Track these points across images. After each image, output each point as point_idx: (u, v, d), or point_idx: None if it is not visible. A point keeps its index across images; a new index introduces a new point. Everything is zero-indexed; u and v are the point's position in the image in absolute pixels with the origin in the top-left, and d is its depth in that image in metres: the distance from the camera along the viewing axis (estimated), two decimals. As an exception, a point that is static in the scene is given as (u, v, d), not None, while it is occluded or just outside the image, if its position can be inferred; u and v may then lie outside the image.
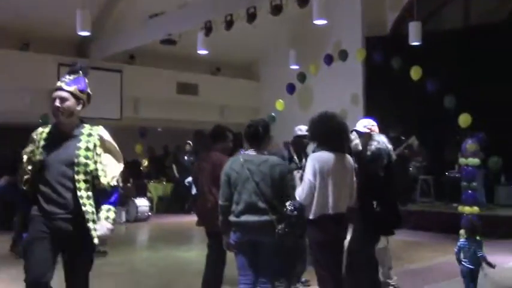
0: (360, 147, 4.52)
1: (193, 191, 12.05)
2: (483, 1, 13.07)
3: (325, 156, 4.03)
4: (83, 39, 13.23)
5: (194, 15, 11.27)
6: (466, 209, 8.96)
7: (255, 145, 4.06)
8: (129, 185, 13.86)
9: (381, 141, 4.53)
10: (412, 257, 7.54)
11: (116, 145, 3.50)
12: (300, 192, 4.02)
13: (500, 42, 11.52)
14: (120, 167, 3.46)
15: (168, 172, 15.70)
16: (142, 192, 13.56)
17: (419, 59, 11.19)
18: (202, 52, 12.14)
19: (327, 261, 4.07)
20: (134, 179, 14.43)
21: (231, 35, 11.39)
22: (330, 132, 4.08)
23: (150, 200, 13.61)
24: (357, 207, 4.33)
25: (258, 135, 4.07)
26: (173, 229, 11.28)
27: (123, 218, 12.20)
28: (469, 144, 9.10)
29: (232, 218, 3.96)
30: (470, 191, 9.05)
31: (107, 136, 3.49)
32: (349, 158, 4.19)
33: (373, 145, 4.47)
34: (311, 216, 4.00)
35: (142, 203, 12.42)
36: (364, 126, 4.68)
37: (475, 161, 9.06)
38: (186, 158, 13.19)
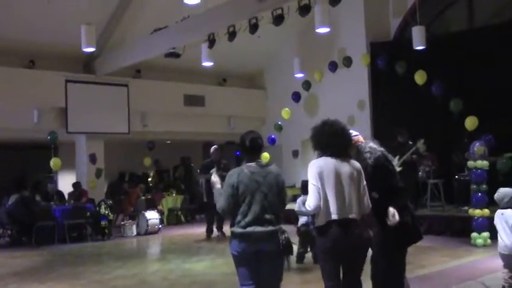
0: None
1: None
2: (487, 2, 13.03)
3: (323, 161, 4.02)
4: (89, 56, 13.32)
5: (197, 28, 11.30)
6: (477, 212, 8.93)
7: (257, 157, 4.15)
8: (140, 198, 13.92)
9: (371, 150, 4.32)
10: (423, 262, 7.49)
11: None
12: (309, 201, 3.96)
13: (506, 43, 11.47)
14: None
15: (178, 184, 15.74)
16: (152, 205, 13.61)
17: (424, 63, 11.18)
18: (207, 64, 12.20)
19: (331, 271, 3.97)
20: (144, 192, 14.49)
21: (235, 45, 11.44)
22: (328, 138, 4.07)
23: (161, 212, 13.62)
24: (374, 218, 4.14)
25: (261, 147, 4.19)
26: (183, 241, 11.28)
27: (134, 232, 12.24)
28: (477, 147, 9.06)
29: (237, 230, 3.98)
30: (480, 194, 9.01)
31: None
32: (356, 163, 4.09)
33: (368, 157, 4.26)
34: (318, 223, 3.97)
35: (152, 216, 12.44)
36: None
37: (483, 163, 9.03)
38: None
